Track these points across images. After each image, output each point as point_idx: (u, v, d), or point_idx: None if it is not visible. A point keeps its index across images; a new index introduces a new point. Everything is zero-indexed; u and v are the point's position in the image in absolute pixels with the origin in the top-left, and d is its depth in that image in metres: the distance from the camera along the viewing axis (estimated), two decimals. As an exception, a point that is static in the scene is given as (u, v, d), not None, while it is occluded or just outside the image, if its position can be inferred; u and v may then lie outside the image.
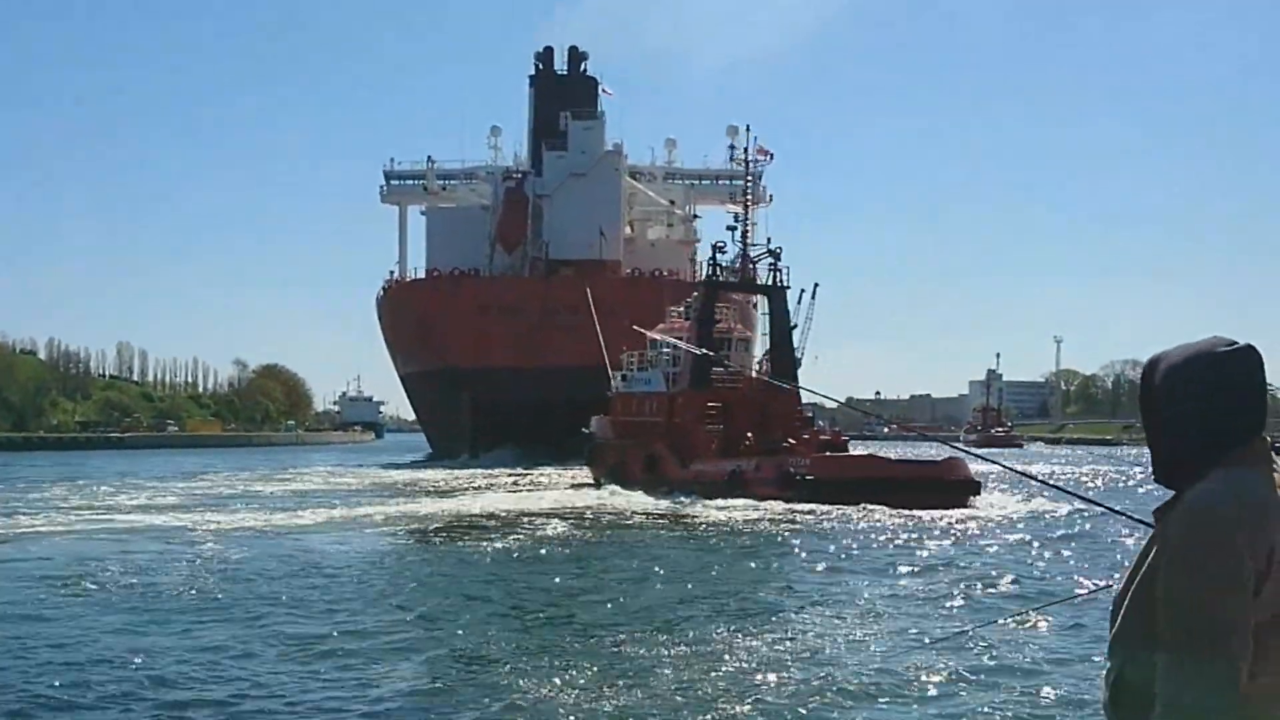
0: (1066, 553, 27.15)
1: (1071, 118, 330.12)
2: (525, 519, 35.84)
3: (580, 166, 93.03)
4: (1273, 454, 2.91)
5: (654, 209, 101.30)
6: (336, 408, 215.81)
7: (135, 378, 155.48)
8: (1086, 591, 17.92)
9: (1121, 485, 55.52)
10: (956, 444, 69.80)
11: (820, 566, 24.80)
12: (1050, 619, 16.70)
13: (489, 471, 63.68)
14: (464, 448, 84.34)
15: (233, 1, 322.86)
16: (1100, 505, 4.80)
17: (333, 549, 28.08)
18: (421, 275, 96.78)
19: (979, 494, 42.24)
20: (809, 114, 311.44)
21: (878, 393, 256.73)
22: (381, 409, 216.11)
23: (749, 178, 51.69)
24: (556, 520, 35.44)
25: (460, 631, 17.08)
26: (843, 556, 26.59)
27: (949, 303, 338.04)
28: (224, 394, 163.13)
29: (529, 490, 50.52)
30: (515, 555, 26.98)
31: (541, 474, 63.02)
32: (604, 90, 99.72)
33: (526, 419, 79.64)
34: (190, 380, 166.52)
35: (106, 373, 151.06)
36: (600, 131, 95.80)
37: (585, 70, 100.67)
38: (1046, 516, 37.55)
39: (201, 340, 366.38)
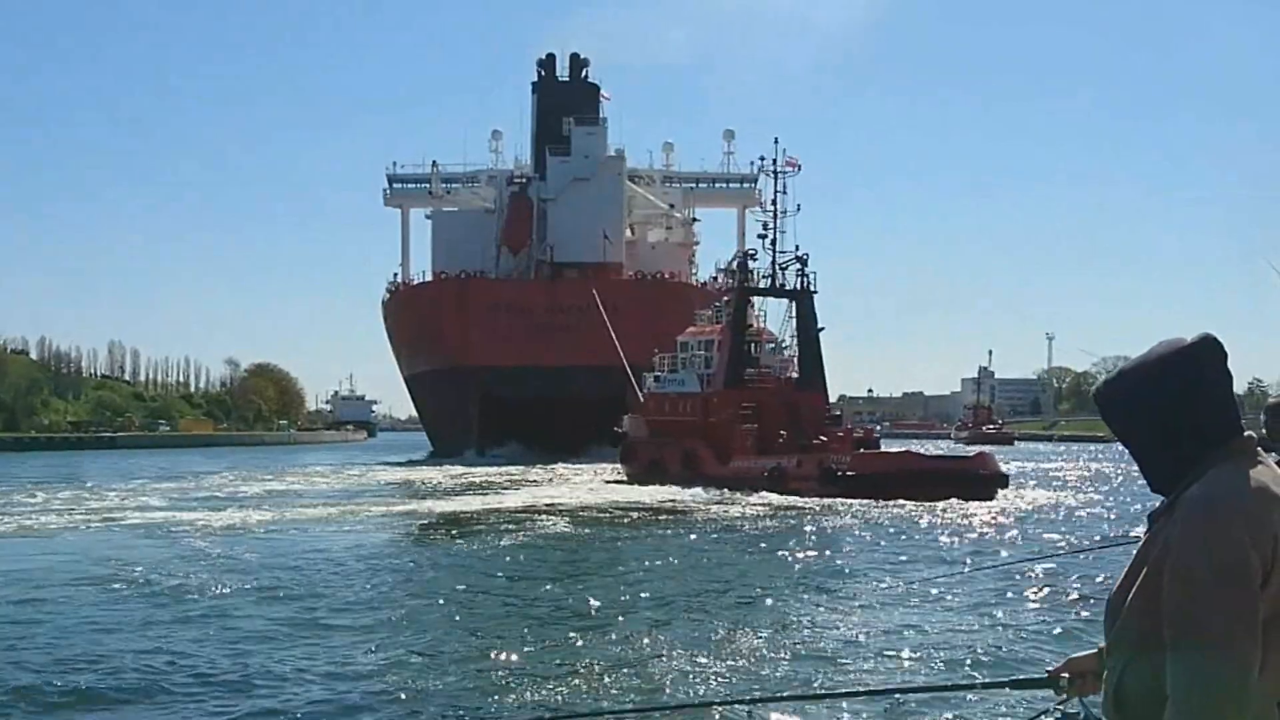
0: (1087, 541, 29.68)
1: (1063, 115, 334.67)
2: (592, 513, 38.06)
3: (583, 171, 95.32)
4: (1259, 448, 2.94)
5: (653, 212, 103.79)
6: (329, 407, 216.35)
7: (127, 377, 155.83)
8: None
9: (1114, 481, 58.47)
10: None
11: (882, 553, 27.16)
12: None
13: (506, 470, 64.78)
14: (470, 445, 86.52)
15: (233, 2, 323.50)
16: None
17: (381, 549, 28.25)
18: (427, 277, 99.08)
19: (1006, 487, 45.13)
20: (799, 117, 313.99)
21: (870, 390, 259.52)
22: (374, 408, 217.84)
23: (778, 189, 54.10)
24: (620, 514, 37.79)
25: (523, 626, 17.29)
26: (904, 544, 29.18)
27: (942, 300, 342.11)
28: (216, 393, 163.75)
29: (570, 485, 52.69)
30: (613, 547, 28.81)
31: (567, 470, 65.21)
32: (604, 96, 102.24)
33: (533, 417, 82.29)
34: (182, 380, 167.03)
35: (98, 372, 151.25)
36: (602, 137, 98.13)
37: (586, 77, 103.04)
38: (1068, 506, 40.77)
39: (193, 339, 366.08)
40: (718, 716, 11.81)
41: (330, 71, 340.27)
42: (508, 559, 25.75)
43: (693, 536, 31.16)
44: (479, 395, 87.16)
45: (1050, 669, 3.59)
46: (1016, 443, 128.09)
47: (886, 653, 15.26)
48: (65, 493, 46.17)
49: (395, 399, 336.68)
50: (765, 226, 53.88)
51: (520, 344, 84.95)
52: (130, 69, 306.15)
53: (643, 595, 20.34)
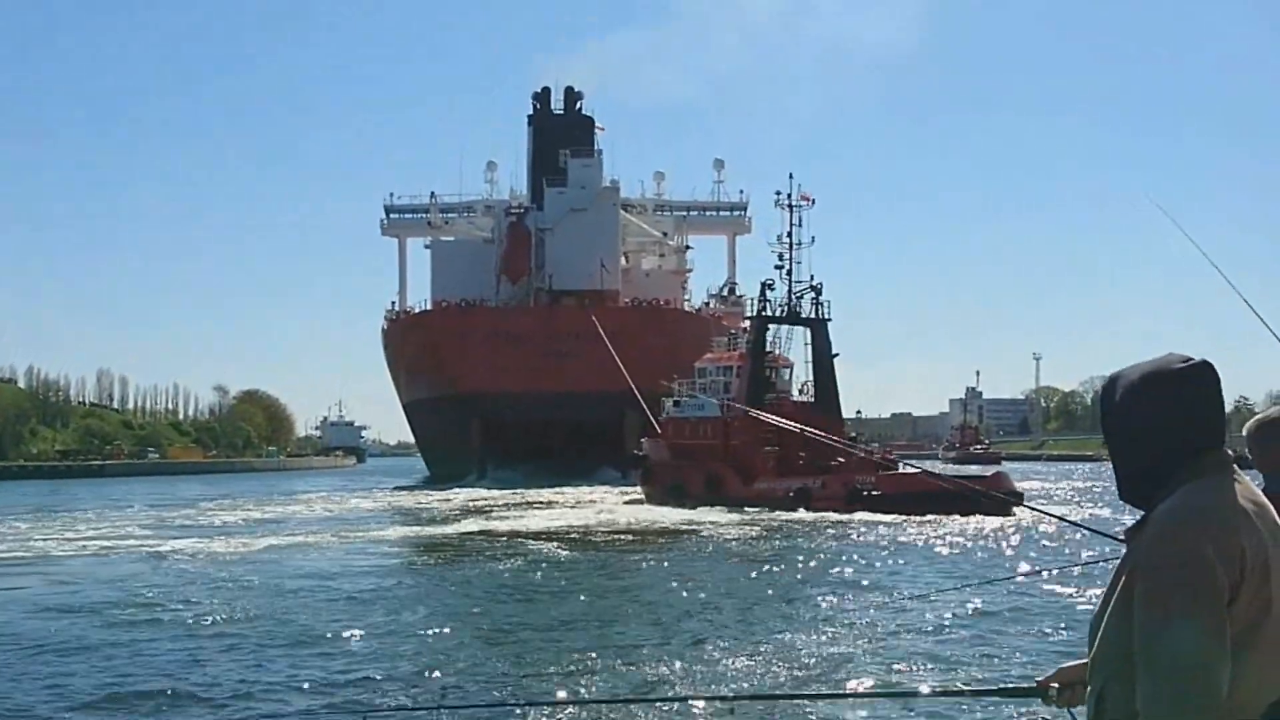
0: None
1: (1053, 137, 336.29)
2: (640, 533, 40.24)
3: (579, 202, 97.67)
4: (1234, 465, 2.97)
5: (646, 240, 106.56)
6: (318, 432, 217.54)
7: (115, 405, 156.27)
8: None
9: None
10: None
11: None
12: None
13: (514, 493, 65.34)
14: (470, 470, 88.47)
15: (231, 33, 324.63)
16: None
17: (418, 574, 28.34)
18: (426, 305, 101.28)
19: (1022, 504, 47.64)
20: (784, 141, 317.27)
21: (859, 411, 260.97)
22: (364, 434, 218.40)
23: (794, 221, 56.58)
24: (665, 533, 40.06)
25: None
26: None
27: (930, 321, 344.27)
28: (205, 420, 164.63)
29: (591, 508, 54.00)
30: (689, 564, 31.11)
31: (578, 493, 66.63)
32: (598, 128, 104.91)
33: (533, 442, 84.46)
34: (171, 407, 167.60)
35: (87, 400, 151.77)
36: (598, 169, 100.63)
37: (580, 109, 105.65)
38: (1079, 520, 43.31)
39: (182, 367, 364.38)
40: (702, 709, 12.66)
41: (320, 96, 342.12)
42: (577, 578, 26.69)
43: (745, 548, 34.04)
44: (480, 420, 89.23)
45: (1040, 679, 3.60)
46: (1004, 462, 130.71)
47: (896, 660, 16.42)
48: (55, 522, 45.87)
49: (384, 424, 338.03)
50: (781, 257, 56.49)
51: (521, 370, 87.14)
52: (122, 95, 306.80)
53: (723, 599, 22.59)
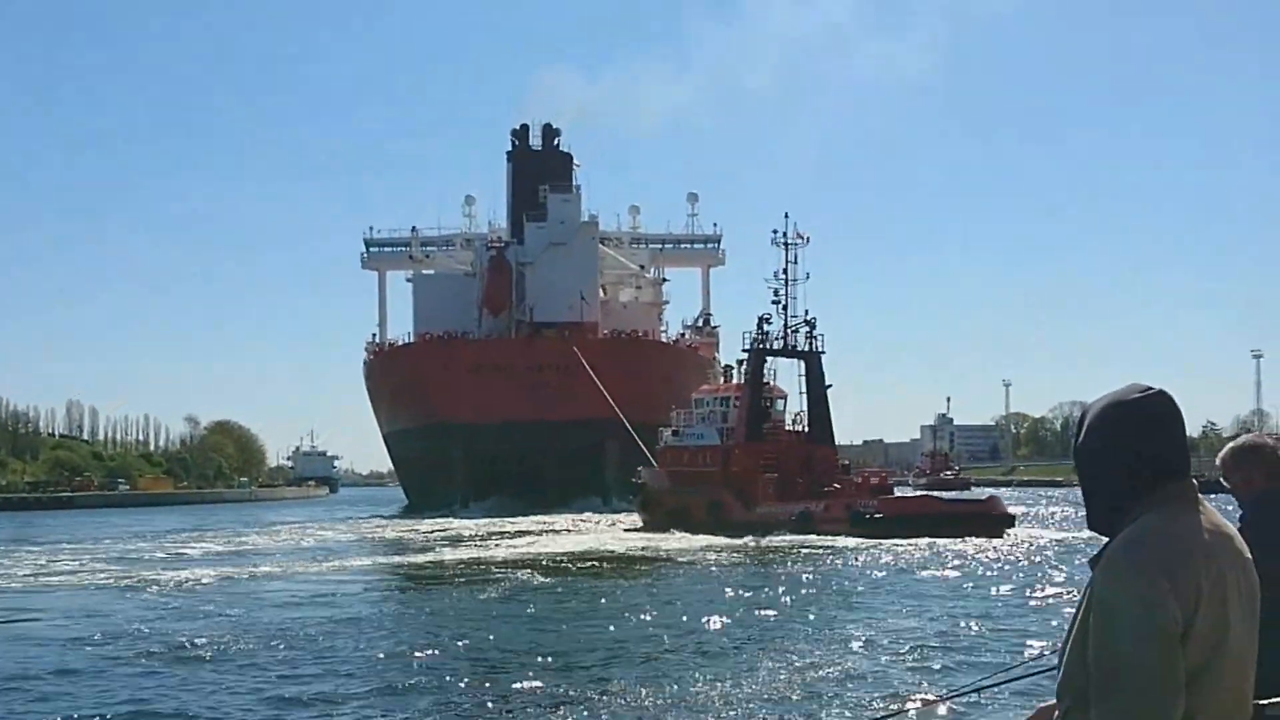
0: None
1: (1026, 157, 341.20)
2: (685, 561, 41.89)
3: (559, 236, 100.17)
4: (1199, 495, 2.94)
5: (624, 272, 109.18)
6: (290, 463, 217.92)
7: (85, 436, 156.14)
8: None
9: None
10: None
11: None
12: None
13: (504, 522, 65.18)
14: (453, 499, 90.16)
15: (216, 61, 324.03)
16: None
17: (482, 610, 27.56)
18: (407, 338, 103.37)
19: (1013, 526, 50.55)
20: (760, 166, 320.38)
21: None
22: (336, 464, 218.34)
23: (790, 259, 59.23)
24: (683, 562, 41.65)
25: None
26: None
27: (901, 348, 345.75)
28: (175, 451, 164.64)
29: (594, 535, 55.52)
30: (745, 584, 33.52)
31: (569, 520, 67.64)
32: (576, 164, 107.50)
33: (517, 471, 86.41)
34: (141, 438, 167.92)
35: (56, 432, 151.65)
36: (577, 204, 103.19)
37: (558, 145, 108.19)
38: (1067, 542, 46.13)
39: (152, 398, 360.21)
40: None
41: (300, 127, 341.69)
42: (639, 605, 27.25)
43: (754, 572, 36.30)
44: (463, 451, 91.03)
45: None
46: (973, 488, 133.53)
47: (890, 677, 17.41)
48: (28, 554, 45.75)
49: (356, 454, 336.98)
50: (776, 293, 59.11)
51: (503, 401, 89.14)
52: (96, 122, 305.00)
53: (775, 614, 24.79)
